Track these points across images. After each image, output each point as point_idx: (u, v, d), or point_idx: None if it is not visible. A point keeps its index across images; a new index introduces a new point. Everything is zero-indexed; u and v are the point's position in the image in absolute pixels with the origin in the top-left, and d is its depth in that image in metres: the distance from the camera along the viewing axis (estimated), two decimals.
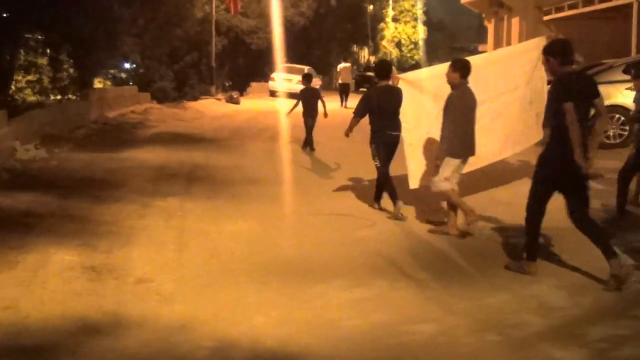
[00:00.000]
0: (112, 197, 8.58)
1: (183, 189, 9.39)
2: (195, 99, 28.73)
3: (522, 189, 8.59)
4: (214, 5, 30.98)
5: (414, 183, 7.83)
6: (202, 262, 6.11)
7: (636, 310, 4.99)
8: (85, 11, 16.82)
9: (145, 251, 6.37)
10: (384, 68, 8.17)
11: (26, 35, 18.46)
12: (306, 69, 28.15)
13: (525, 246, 5.81)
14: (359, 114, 7.93)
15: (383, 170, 7.82)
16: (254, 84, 35.14)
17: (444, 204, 7.35)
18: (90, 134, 15.44)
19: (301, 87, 14.24)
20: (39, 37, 19.43)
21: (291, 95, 23.31)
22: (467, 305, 5.09)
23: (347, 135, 8.16)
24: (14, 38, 17.03)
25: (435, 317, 4.90)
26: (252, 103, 26.81)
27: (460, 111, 6.68)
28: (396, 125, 7.72)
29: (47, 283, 5.44)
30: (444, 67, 7.13)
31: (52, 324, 4.71)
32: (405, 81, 7.93)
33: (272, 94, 30.33)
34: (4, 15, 16.92)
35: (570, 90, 5.36)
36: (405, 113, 7.75)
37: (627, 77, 9.40)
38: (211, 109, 24.64)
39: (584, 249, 6.24)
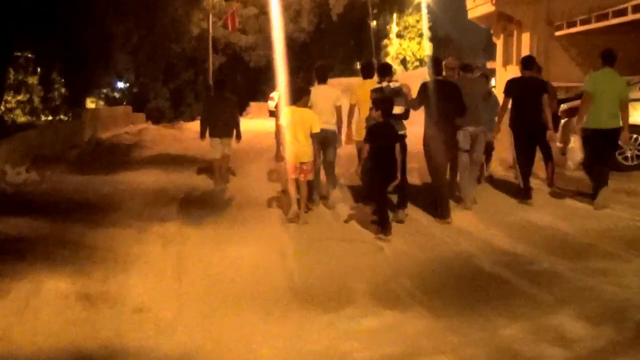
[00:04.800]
0: (107, 221, 8.45)
1: (181, 213, 9.22)
2: (192, 118, 28.65)
3: (534, 216, 8.56)
4: (210, 22, 30.93)
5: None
6: (202, 290, 5.94)
7: None
8: (77, 28, 16.67)
9: (142, 279, 6.21)
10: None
11: (16, 54, 18.31)
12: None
13: None
14: None
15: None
16: (253, 104, 34.91)
17: None
18: (83, 156, 15.36)
19: None
20: (29, 55, 19.31)
21: None
22: (484, 335, 4.88)
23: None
24: (3, 56, 16.87)
25: (450, 349, 4.69)
26: (252, 123, 26.60)
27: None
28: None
29: (40, 312, 5.32)
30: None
31: (46, 355, 4.60)
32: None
33: (272, 114, 29.99)
34: None
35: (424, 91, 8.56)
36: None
37: None
38: None
39: (604, 276, 6.12)
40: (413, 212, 8.85)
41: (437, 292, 5.82)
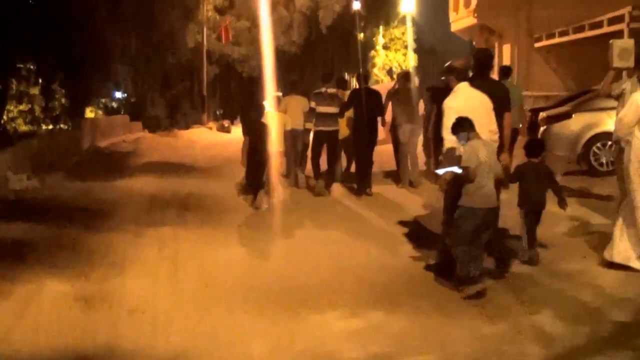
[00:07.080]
0: (105, 226, 8.55)
1: (176, 217, 9.34)
2: (187, 127, 28.73)
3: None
4: (204, 34, 31.08)
5: None
6: (196, 291, 6.05)
7: (637, 341, 4.92)
8: (77, 40, 16.83)
9: (138, 280, 6.32)
10: None
11: (18, 65, 18.47)
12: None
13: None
14: None
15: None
16: None
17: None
18: (82, 164, 15.40)
19: None
20: (31, 66, 19.44)
21: None
22: (466, 334, 5.02)
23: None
24: (6, 68, 17.01)
25: (435, 348, 4.82)
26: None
27: None
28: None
29: (40, 314, 5.41)
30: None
31: (45, 355, 4.68)
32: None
33: None
34: None
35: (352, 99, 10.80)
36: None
37: None
38: (203, 137, 24.61)
39: (582, 278, 6.28)
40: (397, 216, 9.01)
41: (422, 293, 5.94)
